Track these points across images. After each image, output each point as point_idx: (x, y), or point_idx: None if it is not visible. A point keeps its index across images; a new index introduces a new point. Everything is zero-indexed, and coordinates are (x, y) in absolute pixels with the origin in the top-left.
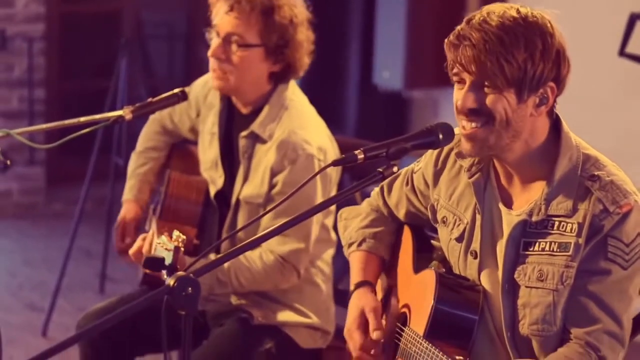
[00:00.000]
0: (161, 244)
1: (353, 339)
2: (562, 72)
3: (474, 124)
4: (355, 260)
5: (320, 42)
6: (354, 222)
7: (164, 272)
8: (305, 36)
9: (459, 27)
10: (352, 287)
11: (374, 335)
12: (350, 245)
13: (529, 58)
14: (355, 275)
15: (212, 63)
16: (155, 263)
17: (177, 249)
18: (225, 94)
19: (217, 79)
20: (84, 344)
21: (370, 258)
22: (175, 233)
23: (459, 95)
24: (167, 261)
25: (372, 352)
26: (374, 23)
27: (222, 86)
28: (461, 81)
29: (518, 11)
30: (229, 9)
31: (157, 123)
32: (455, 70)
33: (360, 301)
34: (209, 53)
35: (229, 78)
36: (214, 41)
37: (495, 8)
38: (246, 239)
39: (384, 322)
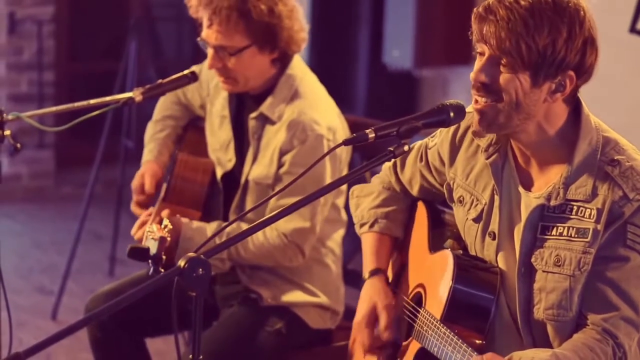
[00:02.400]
0: (151, 232)
1: (362, 335)
2: (587, 61)
3: (484, 99)
4: (368, 242)
5: (330, 21)
6: (365, 200)
7: (149, 261)
8: (291, 15)
9: (490, 0)
10: (365, 275)
11: (385, 335)
12: (362, 225)
13: (551, 44)
14: (368, 262)
15: (214, 72)
16: (139, 253)
17: (162, 239)
18: (238, 93)
19: (225, 84)
20: (94, 326)
21: (382, 240)
22: (164, 222)
23: (475, 67)
24: (152, 251)
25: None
26: (384, 2)
27: (232, 89)
28: (482, 53)
29: None
30: (209, 23)
31: (174, 94)
32: (477, 40)
33: (373, 294)
34: (207, 66)
35: (235, 81)
36: (208, 52)
37: None
38: (256, 219)
39: (394, 303)
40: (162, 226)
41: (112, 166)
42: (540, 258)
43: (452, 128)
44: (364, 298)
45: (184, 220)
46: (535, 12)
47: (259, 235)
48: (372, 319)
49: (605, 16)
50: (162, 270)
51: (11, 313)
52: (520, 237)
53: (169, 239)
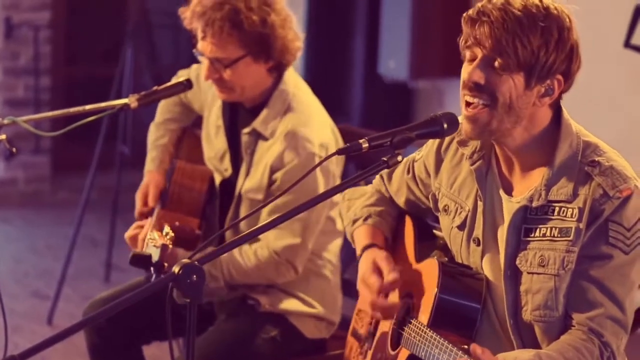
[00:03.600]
0: (152, 239)
1: (369, 284)
2: (573, 67)
3: (476, 100)
4: (362, 232)
5: (326, 32)
6: (358, 201)
7: (151, 269)
8: (284, 24)
9: (479, 4)
10: (359, 252)
11: (391, 276)
12: (354, 221)
13: (543, 45)
14: (362, 242)
15: (211, 82)
16: (141, 260)
17: (164, 246)
18: (234, 102)
19: (221, 93)
20: (90, 331)
21: (376, 231)
22: (165, 230)
23: (467, 69)
24: (154, 258)
25: (390, 297)
26: (380, 13)
27: (228, 98)
28: (472, 57)
29: (541, 1)
30: (202, 35)
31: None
32: (468, 44)
33: (369, 256)
34: (204, 78)
35: (231, 90)
36: (204, 63)
37: None
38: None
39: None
40: (164, 233)
41: (108, 172)
42: (525, 260)
43: (437, 140)
44: (362, 262)
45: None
46: (528, 15)
47: (251, 258)
48: (375, 268)
49: (600, 31)
50: None
51: (7, 317)
52: (504, 241)
53: (170, 246)
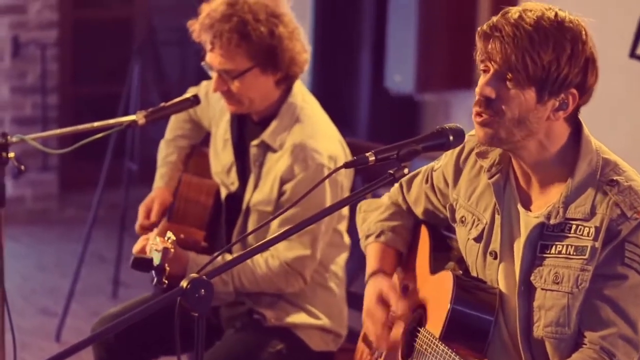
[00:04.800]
0: (154, 244)
1: (375, 315)
2: (589, 80)
3: (485, 115)
4: (372, 251)
5: (332, 45)
6: (372, 214)
7: (152, 272)
8: (292, 36)
9: (494, 18)
10: (367, 277)
11: (398, 307)
12: (367, 237)
13: (555, 60)
14: (371, 265)
15: (219, 97)
16: (142, 264)
17: (165, 250)
18: (243, 114)
19: (230, 105)
20: (99, 347)
21: (387, 250)
22: (167, 234)
23: (480, 82)
24: (156, 262)
25: (393, 332)
26: (386, 27)
27: (237, 110)
28: (486, 70)
29: (556, 14)
30: (211, 47)
31: (185, 112)
32: (482, 59)
33: (376, 284)
34: (212, 89)
35: (240, 102)
36: (212, 76)
37: (534, 6)
38: (256, 244)
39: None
40: (166, 238)
41: (116, 189)
42: (539, 276)
43: (457, 150)
44: (368, 291)
45: (191, 254)
46: (540, 29)
47: (262, 266)
48: (382, 299)
49: (606, 41)
50: (165, 281)
51: (15, 334)
52: (520, 256)
53: (172, 250)
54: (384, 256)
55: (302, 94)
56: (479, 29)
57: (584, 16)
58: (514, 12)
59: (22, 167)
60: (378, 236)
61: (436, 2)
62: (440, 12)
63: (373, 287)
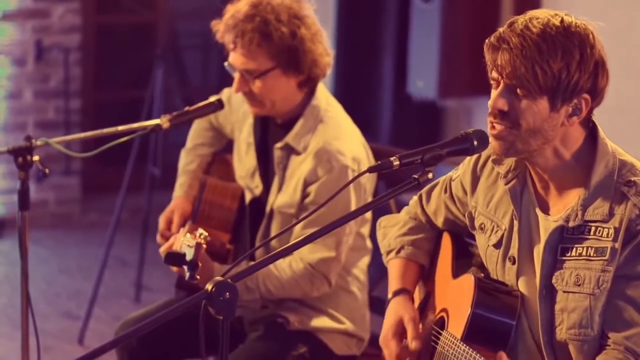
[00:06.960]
0: (185, 241)
1: (389, 347)
2: (600, 84)
3: (500, 126)
4: (394, 267)
5: (355, 51)
6: (392, 230)
7: (184, 267)
8: (314, 38)
9: (501, 29)
10: (390, 295)
11: (413, 345)
12: (388, 252)
13: (565, 68)
14: (393, 283)
15: (241, 95)
16: (176, 258)
17: (198, 245)
18: (266, 117)
19: (252, 106)
20: (122, 350)
21: (408, 265)
22: (199, 231)
23: (492, 95)
24: (189, 257)
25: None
26: (408, 33)
27: (259, 112)
28: (497, 82)
29: (562, 20)
30: (233, 46)
31: (206, 120)
32: (492, 70)
33: (398, 309)
34: (233, 90)
35: (261, 104)
36: (235, 76)
37: (540, 14)
38: (279, 248)
39: (421, 328)
40: (198, 234)
41: (138, 193)
42: (560, 279)
43: (473, 158)
44: (389, 313)
45: (216, 265)
46: (547, 38)
47: (286, 270)
48: (399, 330)
49: (624, 48)
50: (198, 277)
51: (39, 338)
52: (540, 260)
53: (204, 245)
54: (405, 272)
55: (325, 97)
56: (486, 40)
57: (602, 21)
58: (520, 21)
59: (47, 170)
60: (398, 252)
61: (459, 7)
62: (463, 18)
63: (394, 313)
